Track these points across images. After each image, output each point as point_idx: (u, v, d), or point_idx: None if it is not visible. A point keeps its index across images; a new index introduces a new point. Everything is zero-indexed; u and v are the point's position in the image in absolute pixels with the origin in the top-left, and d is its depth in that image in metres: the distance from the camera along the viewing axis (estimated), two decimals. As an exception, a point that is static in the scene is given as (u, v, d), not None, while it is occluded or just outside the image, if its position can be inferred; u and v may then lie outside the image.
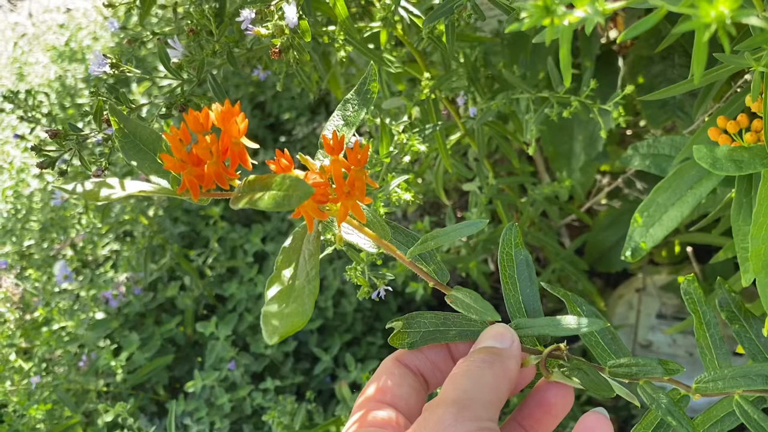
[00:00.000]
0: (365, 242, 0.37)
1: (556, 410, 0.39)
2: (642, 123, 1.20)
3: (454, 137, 0.80)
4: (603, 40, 1.08)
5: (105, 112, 0.52)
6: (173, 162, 0.32)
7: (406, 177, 0.54)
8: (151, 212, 1.18)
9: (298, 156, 0.33)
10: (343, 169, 0.32)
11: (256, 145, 0.33)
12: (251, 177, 0.33)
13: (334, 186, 0.33)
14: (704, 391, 0.51)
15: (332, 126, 0.38)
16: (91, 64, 0.53)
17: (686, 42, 0.91)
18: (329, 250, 0.54)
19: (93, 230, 1.28)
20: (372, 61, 0.45)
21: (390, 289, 0.54)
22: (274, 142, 1.64)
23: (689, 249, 1.24)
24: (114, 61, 0.52)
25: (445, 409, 0.33)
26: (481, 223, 0.39)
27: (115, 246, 1.31)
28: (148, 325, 1.29)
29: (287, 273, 0.30)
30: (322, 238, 0.55)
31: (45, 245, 1.31)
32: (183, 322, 1.28)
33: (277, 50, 0.49)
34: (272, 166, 0.33)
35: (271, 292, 0.29)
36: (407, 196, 0.55)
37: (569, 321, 0.40)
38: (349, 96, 0.38)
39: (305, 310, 0.28)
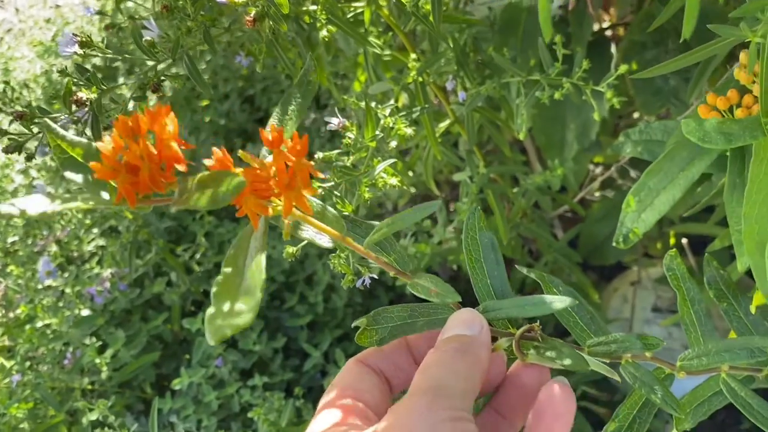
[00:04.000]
0: (321, 238, 0.36)
1: (533, 393, 0.38)
2: (636, 115, 1.18)
3: (443, 124, 0.78)
4: (596, 27, 1.06)
5: (76, 94, 0.50)
6: (104, 170, 0.29)
7: (392, 161, 0.52)
8: (136, 206, 1.15)
9: (239, 153, 0.32)
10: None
11: (191, 146, 0.31)
12: (200, 175, 0.31)
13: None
14: (689, 369, 0.50)
15: (274, 120, 0.36)
16: (60, 44, 0.50)
17: (679, 24, 0.89)
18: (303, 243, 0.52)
19: (78, 226, 1.25)
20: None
21: (375, 276, 0.51)
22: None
23: (684, 241, 1.22)
24: (83, 39, 0.49)
25: (419, 399, 0.32)
26: (435, 205, 0.38)
27: (101, 242, 1.29)
28: (134, 321, 1.26)
29: (232, 272, 0.28)
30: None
31: (29, 241, 1.28)
32: (170, 319, 1.26)
33: (251, 19, 0.47)
34: (209, 162, 0.30)
35: (216, 291, 0.27)
36: (393, 181, 0.53)
37: (539, 300, 0.39)
38: (292, 89, 0.37)
39: (250, 308, 0.26)
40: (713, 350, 0.50)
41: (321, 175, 0.32)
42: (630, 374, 0.46)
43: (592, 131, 0.97)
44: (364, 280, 0.51)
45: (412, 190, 1.35)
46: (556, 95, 0.59)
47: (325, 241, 0.36)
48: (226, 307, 0.26)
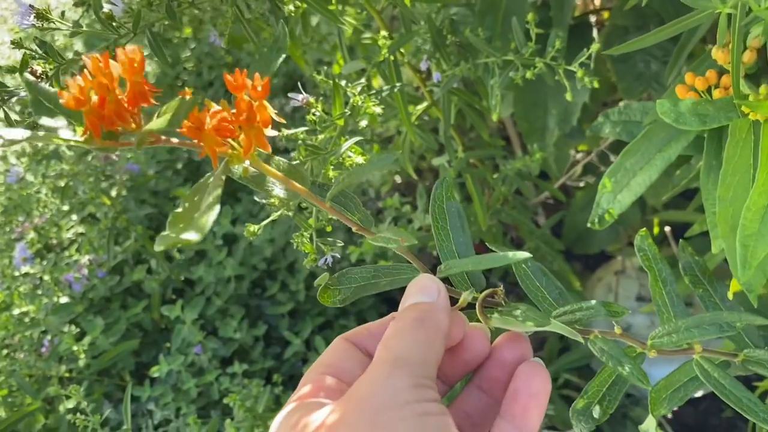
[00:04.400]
0: (283, 191, 0.36)
1: (514, 368, 0.38)
2: (621, 104, 1.17)
3: (420, 107, 0.77)
4: (577, 12, 1.05)
5: (32, 66, 0.49)
6: (71, 99, 0.29)
7: (358, 139, 0.51)
8: (113, 192, 1.14)
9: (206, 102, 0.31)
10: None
11: (158, 90, 0.31)
12: (163, 107, 0.31)
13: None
14: (660, 347, 0.50)
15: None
16: (18, 16, 0.49)
17: (662, 9, 0.88)
18: (276, 215, 0.51)
19: (56, 212, 1.23)
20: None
21: (338, 255, 0.50)
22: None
23: (668, 229, 1.22)
24: (40, 11, 0.48)
25: (380, 369, 0.32)
26: (391, 157, 0.37)
27: (81, 229, 1.27)
28: (113, 309, 1.25)
29: (189, 206, 0.29)
30: (265, 201, 0.52)
31: (7, 228, 1.26)
32: (150, 307, 1.24)
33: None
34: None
35: (171, 219, 0.29)
36: (359, 160, 0.52)
37: (496, 255, 0.40)
38: (265, 50, 0.37)
39: (199, 229, 0.27)
40: (683, 327, 0.50)
41: (282, 120, 0.31)
42: (598, 348, 0.46)
43: (573, 117, 0.96)
44: (326, 259, 0.50)
45: (397, 179, 1.34)
46: (528, 74, 0.58)
47: (279, 191, 0.36)
48: (178, 229, 0.27)
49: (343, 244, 0.50)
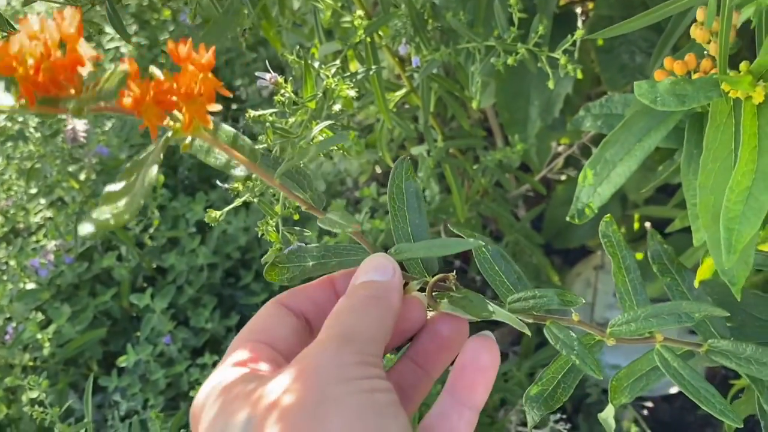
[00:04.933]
0: (236, 168, 0.35)
1: (450, 342, 0.38)
2: (603, 98, 1.15)
3: (399, 93, 0.75)
4: (563, 2, 1.03)
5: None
6: (2, 65, 0.27)
7: (329, 123, 0.48)
8: (82, 176, 1.10)
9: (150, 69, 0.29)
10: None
11: (99, 56, 0.28)
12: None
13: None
14: (618, 335, 0.49)
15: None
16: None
17: None
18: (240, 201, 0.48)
19: (23, 196, 1.19)
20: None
21: (304, 244, 0.48)
22: (226, 109, 1.57)
23: (648, 224, 1.21)
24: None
25: (327, 343, 0.30)
26: (345, 135, 0.37)
27: (49, 213, 1.23)
28: (81, 296, 1.21)
29: (126, 183, 0.27)
30: (228, 186, 0.49)
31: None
32: (119, 294, 1.21)
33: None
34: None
35: (104, 195, 0.27)
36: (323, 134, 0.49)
37: (448, 241, 0.40)
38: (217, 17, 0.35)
39: (128, 210, 0.26)
40: (642, 315, 0.49)
41: (228, 93, 0.29)
42: (552, 335, 0.45)
43: (555, 108, 0.94)
44: (293, 250, 0.48)
45: (377, 169, 1.31)
46: (510, 60, 0.56)
47: (238, 171, 0.34)
48: (109, 207, 0.26)
49: (310, 233, 0.48)
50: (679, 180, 0.72)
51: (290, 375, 0.29)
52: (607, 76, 0.91)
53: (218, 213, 0.48)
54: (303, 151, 0.36)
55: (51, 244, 1.10)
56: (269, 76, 0.47)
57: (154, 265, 1.26)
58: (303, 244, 0.49)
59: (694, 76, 0.49)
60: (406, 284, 0.39)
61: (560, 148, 1.00)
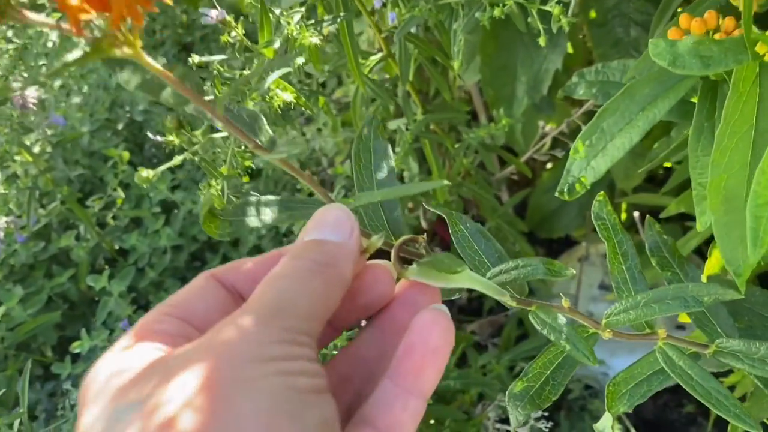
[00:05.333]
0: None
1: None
2: (598, 63, 1.10)
3: (374, 57, 0.68)
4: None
5: None
6: None
7: (286, 70, 0.42)
8: (36, 148, 1.02)
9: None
10: None
11: None
12: None
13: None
14: (615, 325, 0.44)
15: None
16: None
17: (645, -30, 0.81)
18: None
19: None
20: None
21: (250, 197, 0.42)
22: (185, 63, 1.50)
23: (636, 214, 1.16)
24: None
25: (251, 314, 0.25)
26: (290, 61, 0.32)
27: (3, 189, 1.15)
28: (37, 278, 1.14)
29: None
30: (161, 138, 0.42)
31: None
32: (77, 276, 1.13)
33: None
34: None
35: None
36: (287, 97, 0.43)
37: (411, 184, 0.37)
38: None
39: None
40: (642, 301, 0.44)
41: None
42: (538, 320, 0.40)
43: (544, 85, 0.88)
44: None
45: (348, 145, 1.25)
46: (497, 12, 0.50)
47: (166, 95, 0.30)
48: None
49: (260, 196, 0.42)
50: (671, 164, 0.66)
51: (198, 350, 0.24)
52: (600, 51, 0.85)
53: (151, 173, 0.41)
54: (246, 76, 0.29)
55: (2, 221, 1.02)
56: (215, 13, 0.40)
57: (117, 247, 1.19)
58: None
59: (714, 37, 0.43)
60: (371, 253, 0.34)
61: (547, 128, 0.94)
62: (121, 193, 1.17)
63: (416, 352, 0.28)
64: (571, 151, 0.54)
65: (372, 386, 0.30)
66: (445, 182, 0.35)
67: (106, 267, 1.20)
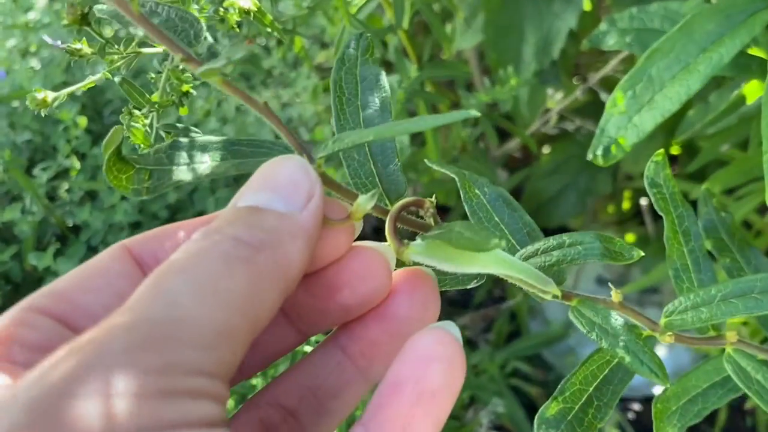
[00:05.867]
0: None
1: (407, 324, 0.23)
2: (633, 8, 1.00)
3: (364, -4, 0.57)
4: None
5: None
6: None
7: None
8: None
9: None
10: None
11: None
12: None
13: None
14: (680, 327, 0.33)
15: None
16: None
17: None
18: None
19: None
20: None
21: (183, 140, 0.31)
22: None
23: (644, 202, 1.06)
24: None
25: (114, 341, 0.15)
26: None
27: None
28: (-25, 255, 1.01)
29: None
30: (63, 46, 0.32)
31: None
32: (21, 254, 1.01)
33: None
34: None
35: None
36: (245, 2, 0.32)
37: (416, 118, 0.29)
38: None
39: None
40: (718, 296, 0.34)
41: None
42: (584, 320, 0.30)
43: (554, 48, 0.77)
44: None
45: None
46: None
47: None
48: None
49: (199, 133, 0.31)
50: (679, 150, 0.57)
51: (26, 401, 0.15)
52: (621, 6, 0.75)
53: (50, 95, 0.30)
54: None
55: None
56: None
57: (71, 224, 1.07)
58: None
59: None
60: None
61: (557, 96, 0.84)
62: (75, 163, 1.05)
63: (405, 394, 0.19)
64: (607, 105, 0.44)
65: (328, 429, 0.21)
66: (476, 113, 0.24)
67: (58, 244, 1.08)
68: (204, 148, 0.27)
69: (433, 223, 0.26)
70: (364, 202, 0.24)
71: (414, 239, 0.27)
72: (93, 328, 0.15)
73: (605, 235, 0.30)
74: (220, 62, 0.22)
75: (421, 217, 0.28)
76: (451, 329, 0.20)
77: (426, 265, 0.25)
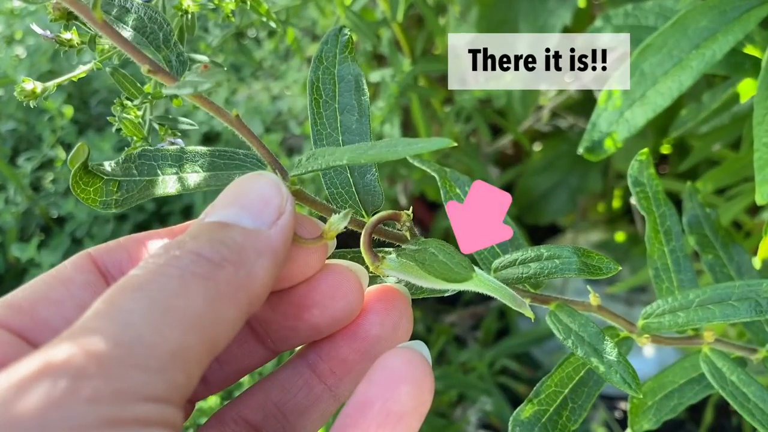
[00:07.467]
0: None
1: (378, 343, 0.23)
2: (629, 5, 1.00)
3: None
4: None
5: None
6: None
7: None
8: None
9: None
10: None
11: None
12: None
13: None
14: (657, 330, 0.34)
15: None
16: None
17: None
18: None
19: None
20: None
21: (180, 143, 0.30)
22: None
23: (633, 201, 1.06)
24: None
25: (63, 367, 0.14)
26: None
27: None
28: (-42, 246, 1.00)
29: None
30: (51, 36, 0.31)
31: None
32: (4, 246, 1.00)
33: None
34: None
35: None
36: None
37: (395, 139, 0.24)
38: None
39: None
40: (696, 301, 0.34)
41: None
42: (560, 325, 0.30)
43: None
44: (164, 147, 0.29)
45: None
46: None
47: None
48: None
49: (195, 125, 0.30)
50: (670, 149, 0.56)
51: None
52: (615, 3, 0.74)
53: (38, 85, 0.29)
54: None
55: None
56: None
57: (55, 215, 1.05)
58: (181, 142, 0.31)
59: None
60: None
61: (550, 93, 0.84)
62: (60, 154, 1.03)
63: (372, 414, 0.18)
64: (599, 99, 0.43)
65: None
66: (452, 142, 0.23)
67: (43, 236, 1.07)
68: (177, 159, 0.26)
69: (408, 236, 0.26)
70: (337, 222, 0.24)
71: (392, 245, 0.26)
72: (41, 349, 0.15)
73: (584, 249, 0.29)
74: (186, 89, 0.21)
75: (399, 229, 0.28)
76: (421, 349, 0.20)
77: (400, 279, 0.25)
